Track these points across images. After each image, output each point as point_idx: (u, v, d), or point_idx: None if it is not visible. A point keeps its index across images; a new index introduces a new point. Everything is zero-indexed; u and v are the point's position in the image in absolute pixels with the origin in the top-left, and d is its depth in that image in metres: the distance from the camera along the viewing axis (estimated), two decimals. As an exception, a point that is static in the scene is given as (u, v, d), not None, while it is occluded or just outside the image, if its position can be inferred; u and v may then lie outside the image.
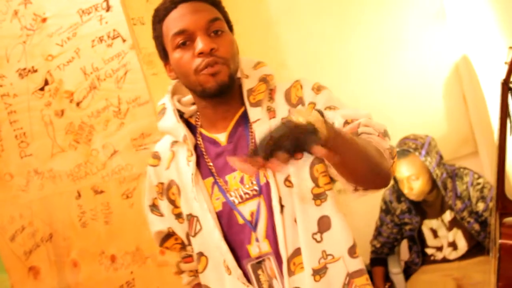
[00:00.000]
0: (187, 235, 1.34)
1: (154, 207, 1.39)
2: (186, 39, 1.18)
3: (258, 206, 1.22)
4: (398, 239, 2.69)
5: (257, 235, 1.23)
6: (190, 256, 1.41)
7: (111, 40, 2.08)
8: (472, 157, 2.99)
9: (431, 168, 2.38)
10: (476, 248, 2.53)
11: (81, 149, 2.17)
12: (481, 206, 2.43)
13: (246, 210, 1.23)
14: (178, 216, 1.34)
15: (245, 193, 1.23)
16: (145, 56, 2.11)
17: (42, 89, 2.21)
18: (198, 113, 1.32)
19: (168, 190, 1.33)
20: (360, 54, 3.07)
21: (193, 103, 1.33)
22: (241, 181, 1.24)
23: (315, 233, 1.23)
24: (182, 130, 1.27)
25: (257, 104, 1.25)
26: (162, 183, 1.33)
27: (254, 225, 1.23)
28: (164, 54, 1.26)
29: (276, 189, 1.21)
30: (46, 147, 2.22)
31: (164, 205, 1.35)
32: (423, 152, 2.39)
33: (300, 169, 1.24)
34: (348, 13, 3.06)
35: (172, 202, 1.34)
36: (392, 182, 2.56)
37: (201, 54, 1.16)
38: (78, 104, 2.15)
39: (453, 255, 2.54)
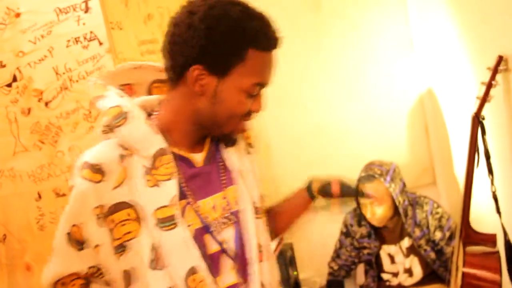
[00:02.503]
0: (126, 274, 1.10)
1: (73, 236, 1.11)
2: (259, 91, 1.16)
3: (232, 235, 1.19)
4: (355, 263, 2.72)
5: (226, 266, 1.18)
6: None
7: (87, 42, 2.05)
8: (430, 187, 3.07)
9: (395, 194, 2.43)
10: (431, 276, 2.58)
11: (45, 150, 2.10)
12: (438, 235, 2.49)
13: (218, 239, 1.17)
14: (119, 248, 1.09)
15: (215, 220, 1.18)
16: (120, 60, 2.08)
17: (9, 85, 2.14)
18: (164, 126, 1.17)
19: (110, 215, 1.09)
20: (328, 81, 3.13)
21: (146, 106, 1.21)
22: (213, 207, 1.18)
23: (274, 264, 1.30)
24: (158, 143, 1.11)
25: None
26: (102, 206, 1.09)
27: (225, 255, 1.18)
28: (219, 69, 1.09)
29: (253, 219, 1.20)
30: (8, 145, 2.15)
31: (99, 234, 1.09)
32: (388, 179, 2.44)
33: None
34: (318, 39, 3.12)
35: (111, 231, 1.09)
36: (354, 205, 2.61)
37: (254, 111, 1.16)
38: (47, 103, 2.10)
39: (408, 281, 2.59)
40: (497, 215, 1.86)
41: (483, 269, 1.74)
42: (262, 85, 1.15)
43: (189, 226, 1.12)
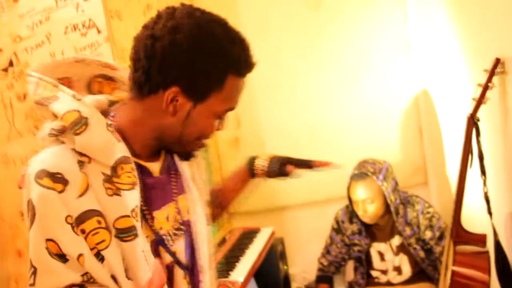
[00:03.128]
0: (113, 278, 1.05)
1: (52, 251, 0.99)
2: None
3: (183, 246, 1.20)
4: (345, 259, 2.74)
5: (179, 277, 1.18)
6: None
7: (86, 30, 2.04)
8: (422, 187, 3.09)
9: (387, 193, 2.44)
10: (419, 274, 2.61)
11: (40, 136, 2.10)
12: (428, 234, 2.51)
13: (171, 250, 1.17)
14: (98, 256, 1.03)
15: (168, 231, 1.17)
16: (118, 50, 2.08)
17: (5, 70, 2.13)
18: (121, 134, 1.11)
19: (80, 225, 1.01)
20: (324, 77, 3.14)
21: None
22: (167, 218, 1.17)
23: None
24: (121, 151, 1.06)
25: None
26: (71, 216, 1.00)
27: (178, 266, 1.18)
28: (197, 94, 1.06)
29: (205, 227, 1.24)
30: (3, 130, 2.14)
31: (78, 243, 1.01)
32: (380, 177, 2.45)
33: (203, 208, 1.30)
34: (317, 36, 3.12)
35: (85, 240, 1.02)
36: (346, 202, 2.63)
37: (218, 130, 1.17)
38: (43, 89, 2.09)
39: (397, 279, 2.61)
40: (488, 215, 1.88)
41: (472, 268, 1.76)
42: (233, 109, 1.14)
43: (146, 237, 1.09)
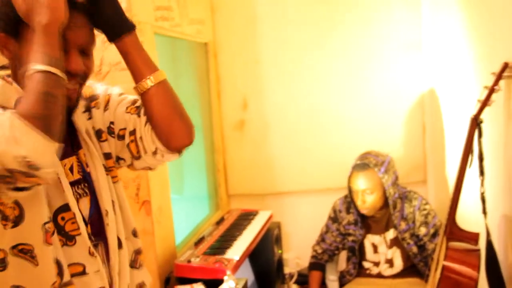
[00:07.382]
0: None
1: None
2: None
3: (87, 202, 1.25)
4: (339, 248, 2.79)
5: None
6: None
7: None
8: (420, 185, 3.13)
9: (386, 186, 2.49)
10: (410, 269, 2.66)
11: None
12: (422, 230, 2.56)
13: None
14: None
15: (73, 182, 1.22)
16: (135, 23, 2.11)
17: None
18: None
19: None
20: (333, 68, 3.18)
21: None
22: (71, 169, 1.22)
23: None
24: (17, 92, 1.10)
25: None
26: None
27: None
28: (12, 28, 1.11)
29: (104, 176, 1.27)
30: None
31: None
32: (382, 169, 2.50)
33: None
34: (330, 28, 3.16)
35: None
36: (345, 193, 2.68)
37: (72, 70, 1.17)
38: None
39: (388, 272, 2.66)
40: (482, 215, 1.92)
41: (463, 264, 1.81)
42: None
43: None
